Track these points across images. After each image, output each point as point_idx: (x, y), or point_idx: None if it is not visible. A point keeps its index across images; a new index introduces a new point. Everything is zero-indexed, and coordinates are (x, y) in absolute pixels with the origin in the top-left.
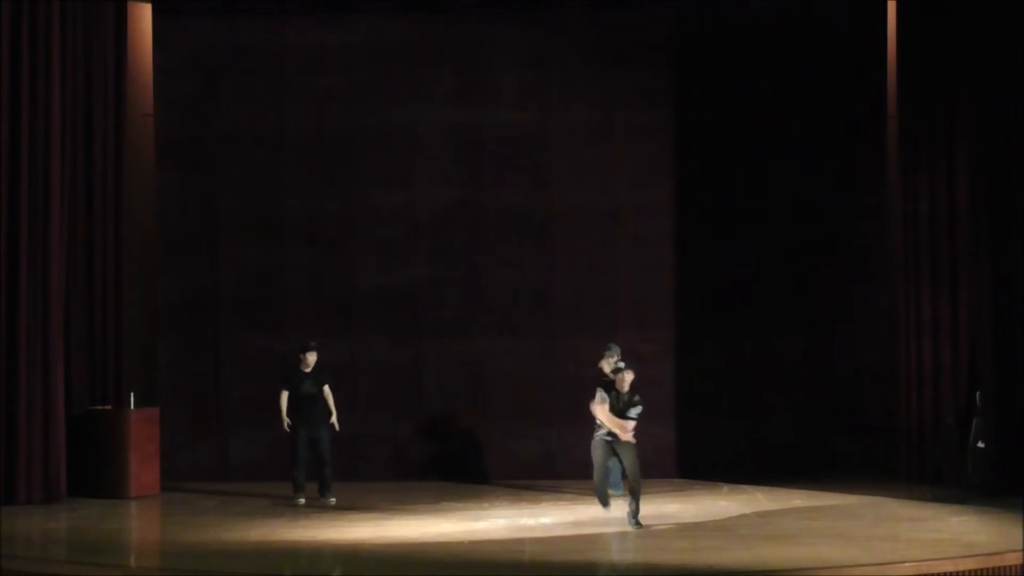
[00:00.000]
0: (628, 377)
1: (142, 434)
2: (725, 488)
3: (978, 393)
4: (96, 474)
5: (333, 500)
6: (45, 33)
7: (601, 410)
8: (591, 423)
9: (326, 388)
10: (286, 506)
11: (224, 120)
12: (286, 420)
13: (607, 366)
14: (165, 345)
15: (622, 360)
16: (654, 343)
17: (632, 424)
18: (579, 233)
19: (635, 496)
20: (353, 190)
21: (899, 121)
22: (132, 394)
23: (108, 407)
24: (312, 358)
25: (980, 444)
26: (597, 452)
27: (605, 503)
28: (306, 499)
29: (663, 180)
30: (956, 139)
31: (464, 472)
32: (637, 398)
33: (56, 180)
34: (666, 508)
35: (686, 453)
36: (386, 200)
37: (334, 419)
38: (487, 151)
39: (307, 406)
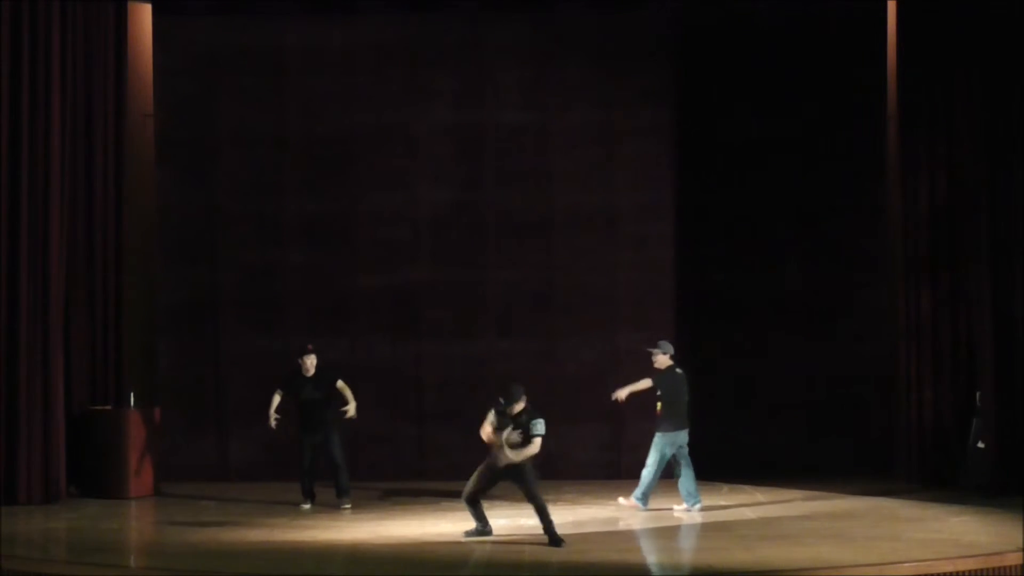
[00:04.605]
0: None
1: (142, 434)
2: (725, 488)
3: (978, 393)
4: (96, 474)
5: (348, 505)
6: (45, 33)
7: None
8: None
9: (339, 383)
10: (286, 506)
11: (224, 120)
12: (273, 416)
13: (663, 362)
14: (165, 345)
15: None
16: (654, 343)
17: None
18: (579, 233)
19: (544, 514)
20: (353, 190)
21: (899, 121)
22: (132, 394)
23: (108, 407)
24: (311, 361)
25: (980, 444)
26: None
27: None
28: (312, 506)
29: (663, 180)
30: (956, 139)
31: (464, 472)
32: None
33: (56, 180)
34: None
35: None
36: (386, 200)
37: (352, 409)
38: (487, 151)
39: (308, 412)
